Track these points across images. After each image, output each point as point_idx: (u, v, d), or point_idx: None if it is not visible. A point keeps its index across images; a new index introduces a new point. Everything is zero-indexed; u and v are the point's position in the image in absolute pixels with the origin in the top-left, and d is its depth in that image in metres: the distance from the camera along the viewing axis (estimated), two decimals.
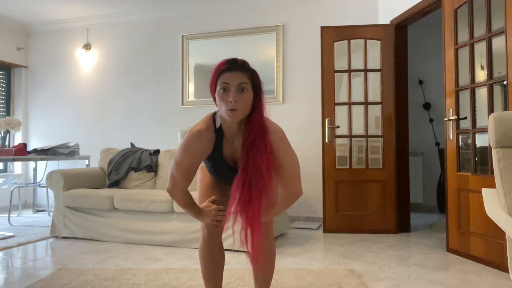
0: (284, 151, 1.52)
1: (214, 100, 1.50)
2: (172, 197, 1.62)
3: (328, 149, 3.77)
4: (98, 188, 3.82)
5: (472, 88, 2.82)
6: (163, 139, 4.94)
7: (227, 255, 2.88)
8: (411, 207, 4.96)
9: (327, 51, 3.78)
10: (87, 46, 5.29)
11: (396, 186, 3.70)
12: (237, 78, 1.42)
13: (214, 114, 1.59)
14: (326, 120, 3.77)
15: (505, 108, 2.59)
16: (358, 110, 3.79)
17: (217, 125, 1.54)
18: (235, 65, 1.45)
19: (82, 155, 4.41)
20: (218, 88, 1.44)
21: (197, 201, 1.71)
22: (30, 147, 5.34)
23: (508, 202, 1.70)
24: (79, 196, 3.48)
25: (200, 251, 1.69)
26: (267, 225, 1.67)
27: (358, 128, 3.79)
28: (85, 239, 3.50)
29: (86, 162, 4.51)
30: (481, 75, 2.79)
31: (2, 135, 3.83)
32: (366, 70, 3.77)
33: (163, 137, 4.95)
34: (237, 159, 1.57)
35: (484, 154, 2.73)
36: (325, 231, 3.75)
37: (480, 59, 2.79)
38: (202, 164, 1.76)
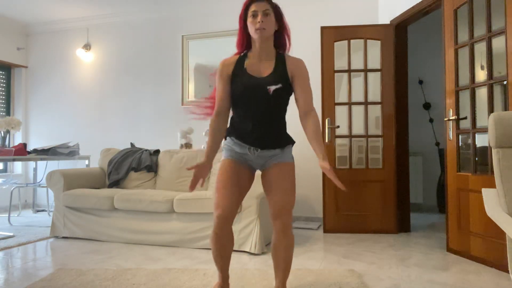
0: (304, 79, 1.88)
1: (240, 28, 1.88)
2: (210, 124, 1.90)
3: (328, 149, 3.77)
4: (98, 188, 3.82)
5: (472, 88, 2.82)
6: (163, 139, 4.94)
7: None
8: (411, 207, 4.96)
9: (327, 51, 3.78)
10: (87, 46, 5.29)
11: (396, 186, 3.70)
12: (262, 6, 1.81)
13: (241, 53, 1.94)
14: (326, 120, 3.77)
15: (505, 108, 2.59)
16: (358, 110, 3.79)
17: (242, 54, 1.92)
18: None
19: (82, 155, 4.41)
20: (249, 15, 1.83)
21: (214, 194, 1.87)
22: (30, 147, 5.34)
23: (508, 202, 1.70)
24: (79, 196, 3.48)
25: (211, 239, 1.87)
26: (287, 221, 1.81)
27: (358, 128, 3.79)
28: (85, 239, 3.50)
29: (86, 162, 4.51)
30: (481, 75, 2.79)
31: (2, 135, 3.83)
32: (366, 70, 3.77)
33: (163, 137, 4.95)
34: (263, 73, 1.85)
35: (484, 154, 2.73)
36: (325, 231, 3.75)
37: (480, 59, 2.79)
38: (223, 157, 1.95)
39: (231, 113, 1.94)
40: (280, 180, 1.84)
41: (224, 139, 1.96)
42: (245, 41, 1.91)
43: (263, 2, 1.82)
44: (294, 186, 1.87)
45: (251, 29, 1.82)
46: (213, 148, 1.88)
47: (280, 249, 1.85)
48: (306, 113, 1.86)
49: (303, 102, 1.86)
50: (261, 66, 1.87)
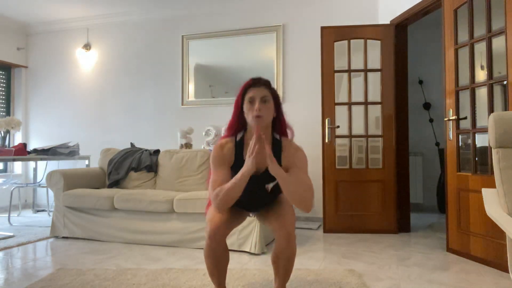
0: (301, 166, 1.76)
1: (235, 111, 1.80)
2: (222, 211, 1.75)
3: (328, 149, 3.77)
4: (98, 188, 3.82)
5: (472, 88, 2.82)
6: (163, 139, 4.94)
7: None
8: (411, 207, 4.96)
9: (327, 51, 3.78)
10: (87, 46, 5.29)
11: (396, 186, 3.70)
12: (261, 92, 1.74)
13: (235, 136, 1.86)
14: (326, 120, 3.77)
15: (505, 108, 2.59)
16: (358, 110, 3.79)
17: (238, 138, 1.82)
18: (259, 82, 1.77)
19: (82, 155, 4.41)
20: (246, 101, 1.75)
21: (211, 186, 1.75)
22: (30, 147, 5.34)
23: (508, 202, 1.70)
24: (79, 196, 3.48)
25: (204, 253, 1.80)
26: (292, 231, 1.75)
27: (358, 128, 3.79)
28: (85, 239, 3.50)
29: (86, 162, 4.51)
30: (481, 75, 2.79)
31: (2, 135, 3.83)
32: (366, 70, 3.77)
33: (163, 137, 4.95)
34: (260, 166, 1.73)
35: (484, 154, 2.73)
36: (325, 231, 3.75)
37: (480, 59, 2.79)
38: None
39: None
40: (279, 203, 1.87)
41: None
42: (239, 126, 1.82)
43: (262, 87, 1.75)
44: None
45: (248, 116, 1.74)
46: (236, 186, 1.67)
47: (282, 259, 1.79)
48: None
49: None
50: (258, 157, 1.70)
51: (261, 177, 1.78)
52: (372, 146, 3.76)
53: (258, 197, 1.86)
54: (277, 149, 1.80)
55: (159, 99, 5.00)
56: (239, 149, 1.80)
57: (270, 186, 1.81)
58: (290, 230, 1.73)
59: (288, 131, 1.85)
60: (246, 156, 1.69)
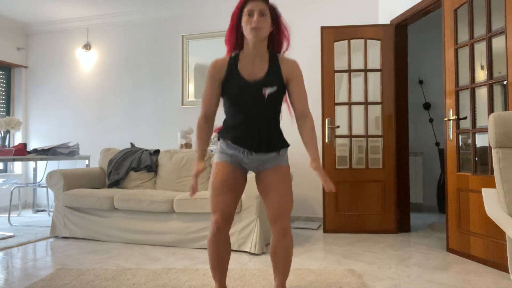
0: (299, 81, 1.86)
1: (231, 25, 1.81)
2: (197, 127, 1.88)
3: (328, 149, 3.77)
4: (98, 188, 3.82)
5: (472, 88, 2.82)
6: (163, 139, 4.94)
7: None
8: (411, 207, 4.96)
9: (327, 51, 3.78)
10: (87, 46, 5.29)
11: (396, 186, 3.70)
12: (259, 5, 1.75)
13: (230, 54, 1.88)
14: (326, 120, 3.77)
15: (505, 108, 2.59)
16: (358, 110, 3.79)
17: (233, 55, 1.85)
18: None
19: (82, 155, 4.41)
20: (244, 14, 1.76)
21: (210, 199, 1.85)
22: (30, 147, 5.34)
23: (508, 202, 1.70)
24: (79, 196, 3.48)
25: (208, 243, 1.86)
26: (286, 224, 1.81)
27: (358, 128, 3.79)
28: (85, 239, 3.50)
29: (86, 162, 4.51)
30: (481, 75, 2.79)
31: (2, 135, 3.83)
32: (366, 70, 3.77)
33: (163, 137, 4.95)
34: (257, 75, 1.80)
35: (484, 154, 2.73)
36: (325, 231, 3.75)
37: (480, 59, 2.79)
38: (216, 159, 1.91)
39: (221, 115, 1.90)
40: (277, 184, 1.81)
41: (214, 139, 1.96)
42: (236, 41, 1.83)
43: (260, 1, 1.76)
44: (291, 189, 1.86)
45: (246, 29, 1.75)
46: (204, 151, 1.88)
47: (280, 252, 1.84)
48: (301, 116, 1.84)
49: (298, 105, 1.84)
50: (254, 68, 1.80)
51: (257, 84, 1.78)
52: (372, 146, 3.76)
53: (256, 108, 1.80)
54: (275, 63, 1.83)
55: (159, 99, 5.00)
56: (233, 64, 1.82)
57: (266, 91, 1.78)
58: (285, 225, 1.80)
59: (285, 43, 1.88)
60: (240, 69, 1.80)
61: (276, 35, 1.85)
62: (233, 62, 1.83)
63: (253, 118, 1.81)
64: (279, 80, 1.80)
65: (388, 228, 3.68)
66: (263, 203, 1.93)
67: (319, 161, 1.74)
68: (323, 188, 3.76)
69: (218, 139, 1.92)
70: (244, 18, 1.76)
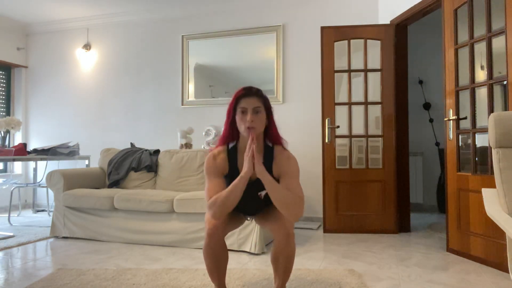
0: (292, 175, 1.76)
1: (227, 121, 1.80)
2: (219, 218, 1.72)
3: (328, 149, 3.77)
4: (98, 188, 3.82)
5: (472, 88, 2.82)
6: (163, 139, 4.94)
7: None
8: (411, 207, 4.96)
9: (327, 51, 3.78)
10: (87, 46, 5.29)
11: (396, 186, 3.70)
12: (253, 102, 1.74)
13: (227, 144, 1.86)
14: (326, 120, 3.77)
15: (505, 108, 2.59)
16: (358, 110, 3.79)
17: (230, 147, 1.83)
18: (250, 91, 1.77)
19: (82, 155, 4.41)
20: (238, 111, 1.75)
21: (208, 194, 1.76)
22: (30, 147, 5.34)
23: (508, 202, 1.70)
24: (79, 196, 3.48)
25: (203, 251, 1.81)
26: (291, 230, 1.77)
27: (358, 128, 3.79)
28: (85, 239, 3.50)
29: (86, 162, 4.51)
30: (481, 75, 2.79)
31: (2, 135, 3.83)
32: (366, 70, 3.77)
33: (163, 137, 4.95)
34: (253, 175, 1.72)
35: (484, 154, 2.73)
36: (325, 231, 3.75)
37: (480, 59, 2.79)
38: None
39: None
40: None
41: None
42: (232, 134, 1.83)
43: (254, 98, 1.75)
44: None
45: (241, 126, 1.75)
46: (232, 195, 1.67)
47: (282, 258, 1.79)
48: None
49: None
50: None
51: (254, 185, 1.78)
52: (372, 146, 3.76)
53: (252, 204, 1.89)
54: (269, 157, 1.81)
55: (159, 99, 5.00)
56: (233, 157, 1.82)
57: (263, 193, 1.82)
58: (289, 230, 1.75)
59: (282, 141, 1.86)
60: (244, 159, 1.69)
61: (269, 129, 1.82)
62: (232, 158, 1.82)
63: (249, 208, 1.91)
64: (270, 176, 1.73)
65: (388, 228, 3.68)
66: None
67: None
68: (323, 188, 3.76)
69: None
70: (238, 116, 1.75)
